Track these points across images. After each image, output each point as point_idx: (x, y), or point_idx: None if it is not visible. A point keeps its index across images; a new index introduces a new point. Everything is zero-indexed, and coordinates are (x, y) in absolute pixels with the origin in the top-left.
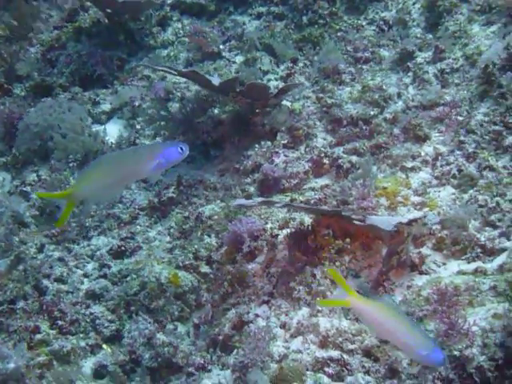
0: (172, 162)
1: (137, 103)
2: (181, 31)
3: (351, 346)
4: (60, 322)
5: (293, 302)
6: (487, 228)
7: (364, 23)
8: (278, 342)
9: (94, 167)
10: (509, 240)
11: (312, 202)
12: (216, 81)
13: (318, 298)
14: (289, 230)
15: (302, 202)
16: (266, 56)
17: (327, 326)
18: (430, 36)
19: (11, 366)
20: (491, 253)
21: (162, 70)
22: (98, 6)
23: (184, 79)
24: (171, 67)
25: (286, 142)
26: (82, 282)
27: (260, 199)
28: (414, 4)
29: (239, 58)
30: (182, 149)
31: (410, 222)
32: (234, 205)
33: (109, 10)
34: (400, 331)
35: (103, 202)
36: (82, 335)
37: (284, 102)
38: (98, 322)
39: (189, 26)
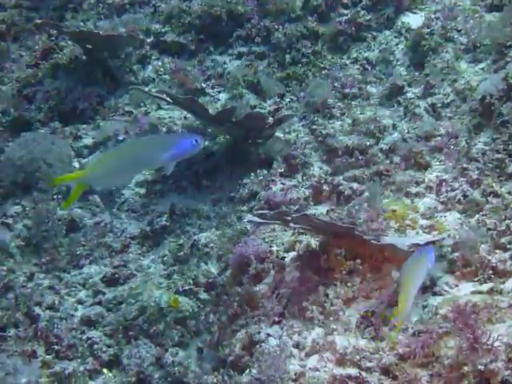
0: (186, 154)
1: (121, 137)
2: (161, 69)
3: (369, 364)
4: (57, 347)
5: (305, 321)
6: (497, 250)
7: (347, 62)
8: (293, 361)
9: (107, 153)
10: None
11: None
12: (212, 110)
13: None
14: (295, 253)
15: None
16: (249, 93)
17: (344, 344)
18: (417, 73)
19: (23, 381)
20: (503, 275)
21: (156, 97)
22: (79, 41)
23: (168, 114)
24: (167, 93)
25: (282, 170)
26: (76, 309)
27: (273, 212)
28: (397, 44)
29: (223, 96)
30: (196, 141)
31: (427, 244)
32: (246, 220)
33: (89, 46)
34: None
35: (113, 188)
36: (79, 360)
37: (277, 134)
38: (95, 346)
39: (169, 64)
